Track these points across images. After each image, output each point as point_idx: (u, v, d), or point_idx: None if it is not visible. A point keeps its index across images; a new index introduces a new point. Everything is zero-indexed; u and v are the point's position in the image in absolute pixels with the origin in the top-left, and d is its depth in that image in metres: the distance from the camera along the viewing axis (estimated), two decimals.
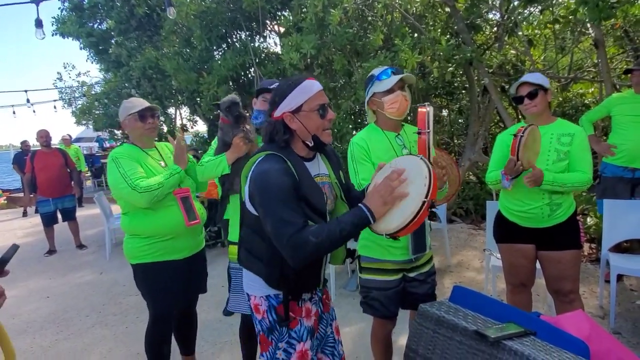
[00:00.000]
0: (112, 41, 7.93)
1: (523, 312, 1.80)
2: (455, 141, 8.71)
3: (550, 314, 3.30)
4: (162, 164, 2.55)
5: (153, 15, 7.32)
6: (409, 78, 2.19)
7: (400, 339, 2.99)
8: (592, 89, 6.65)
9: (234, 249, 2.40)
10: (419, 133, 2.01)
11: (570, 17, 4.92)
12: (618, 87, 5.77)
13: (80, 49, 8.28)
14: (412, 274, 2.28)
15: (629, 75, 3.70)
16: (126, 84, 7.71)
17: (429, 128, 2.00)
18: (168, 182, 2.40)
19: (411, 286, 2.29)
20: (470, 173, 7.05)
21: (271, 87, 2.61)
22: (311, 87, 1.61)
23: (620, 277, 3.87)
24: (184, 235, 2.49)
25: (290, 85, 1.61)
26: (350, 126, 5.67)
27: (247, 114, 2.59)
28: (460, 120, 8.76)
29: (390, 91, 2.14)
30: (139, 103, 2.52)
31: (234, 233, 2.44)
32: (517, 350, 1.47)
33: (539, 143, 2.41)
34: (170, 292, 2.48)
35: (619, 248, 3.77)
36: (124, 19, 7.30)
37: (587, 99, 7.19)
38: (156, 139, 2.72)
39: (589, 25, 4.61)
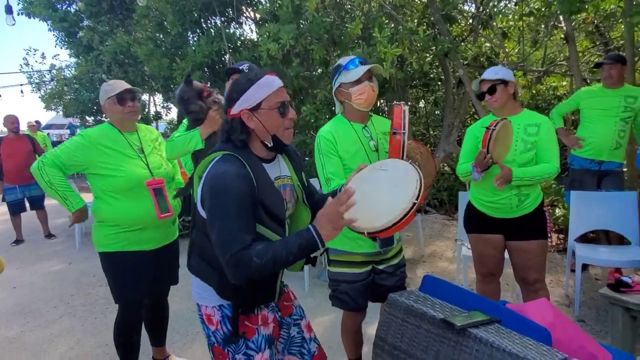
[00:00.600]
0: (83, 24, 7.68)
1: (489, 300, 1.84)
2: (431, 132, 8.79)
3: (518, 303, 3.38)
4: (139, 149, 2.46)
5: None
6: (376, 68, 2.16)
7: (371, 329, 3.02)
8: (565, 82, 6.78)
9: None
10: (394, 133, 1.97)
11: (544, 9, 4.99)
12: (589, 81, 5.90)
13: (49, 30, 8.00)
14: (381, 266, 2.27)
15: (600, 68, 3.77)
16: (97, 69, 7.49)
17: (404, 129, 1.96)
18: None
19: (380, 278, 2.28)
20: (445, 164, 7.12)
21: (241, 67, 2.56)
22: (271, 84, 1.50)
23: (586, 267, 3.99)
24: (154, 227, 2.43)
25: (248, 80, 1.50)
26: (327, 116, 5.64)
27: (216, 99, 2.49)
28: (436, 112, 8.84)
29: (357, 82, 2.10)
30: (119, 85, 2.43)
31: None
32: (481, 337, 1.49)
33: (510, 137, 2.44)
34: (136, 283, 2.42)
35: (585, 238, 3.88)
36: (94, 1, 7.07)
37: (559, 91, 7.35)
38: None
39: (561, 18, 4.67)
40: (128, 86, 2.44)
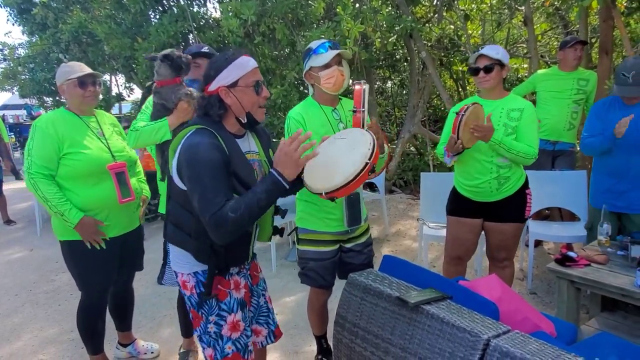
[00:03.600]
0: (37, 1, 7.30)
1: (443, 278, 1.94)
2: (397, 113, 8.89)
3: (477, 278, 3.54)
4: (100, 133, 2.41)
5: None
6: (345, 53, 2.20)
7: (336, 307, 3.11)
8: (525, 65, 6.96)
9: None
10: (354, 111, 2.05)
11: None
12: (549, 63, 6.08)
13: (0, 7, 7.58)
14: (348, 245, 2.35)
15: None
16: (54, 48, 7.17)
17: (363, 107, 2.04)
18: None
19: (348, 257, 2.37)
20: (410, 144, 7.25)
21: (202, 50, 2.53)
22: (247, 63, 1.61)
23: (540, 242, 4.20)
24: (116, 212, 2.40)
25: (226, 59, 1.60)
26: (297, 98, 5.63)
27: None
28: (404, 92, 8.93)
29: (326, 66, 2.13)
30: (79, 68, 2.35)
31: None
32: (433, 313, 1.58)
33: (482, 122, 2.44)
34: (100, 272, 2.40)
35: (540, 215, 4.08)
36: None
37: (520, 73, 7.54)
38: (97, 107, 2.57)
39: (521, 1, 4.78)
40: (89, 70, 2.37)
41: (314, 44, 2.20)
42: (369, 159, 1.64)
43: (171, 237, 1.72)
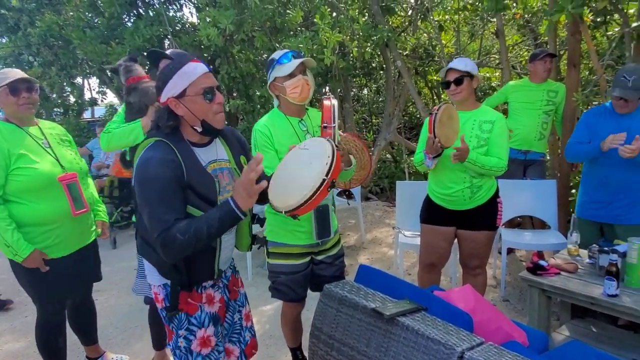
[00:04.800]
0: (8, 1, 7.08)
1: (418, 288, 1.95)
2: (374, 120, 8.97)
3: (451, 286, 3.59)
4: (45, 143, 2.26)
5: None
6: (309, 62, 2.17)
7: (311, 318, 3.09)
8: (497, 73, 7.13)
9: None
10: (324, 127, 2.03)
11: (477, 4, 5.20)
12: (520, 74, 6.24)
13: None
14: (319, 257, 2.33)
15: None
16: (24, 51, 6.96)
17: (334, 122, 2.02)
18: None
19: (319, 269, 2.34)
20: (387, 152, 7.32)
21: (168, 52, 2.49)
22: (194, 70, 1.53)
23: (512, 250, 4.28)
24: (69, 226, 2.28)
25: (172, 69, 1.54)
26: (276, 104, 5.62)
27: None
28: (380, 100, 9.02)
29: (291, 75, 2.10)
30: (12, 74, 2.20)
31: None
32: (408, 325, 1.59)
33: (456, 121, 2.48)
34: (53, 290, 2.28)
35: (512, 223, 4.16)
36: None
37: (492, 82, 7.71)
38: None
39: (492, 13, 4.90)
40: (23, 75, 2.21)
41: (276, 54, 2.17)
42: (327, 175, 1.56)
43: (140, 250, 1.71)
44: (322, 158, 1.61)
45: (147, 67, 4.25)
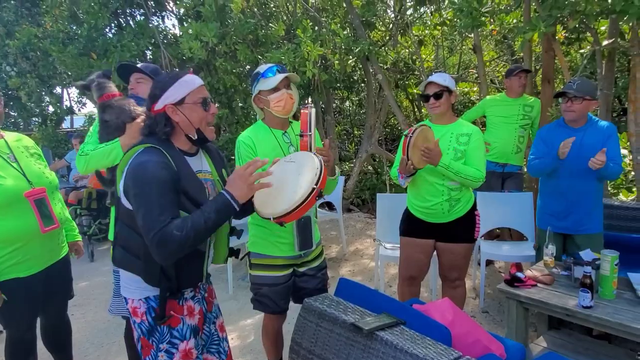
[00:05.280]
0: None
1: (397, 302, 1.96)
2: (356, 132, 9.05)
3: (431, 298, 3.62)
4: (11, 157, 2.15)
5: None
6: (293, 77, 2.21)
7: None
8: (476, 88, 7.29)
9: None
10: (301, 135, 2.07)
11: (455, 20, 5.32)
12: (498, 88, 6.39)
13: None
14: (302, 269, 2.33)
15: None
16: (2, 61, 6.86)
17: (310, 130, 2.06)
18: None
19: (301, 281, 2.35)
20: (368, 164, 7.37)
21: (139, 65, 2.48)
22: (193, 81, 1.63)
23: (491, 261, 4.34)
24: (38, 243, 2.17)
25: (172, 77, 1.61)
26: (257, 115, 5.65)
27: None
28: (361, 112, 9.11)
29: (275, 89, 2.14)
30: None
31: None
32: (387, 340, 1.59)
33: (430, 143, 2.50)
34: (21, 310, 2.17)
35: (491, 235, 4.22)
36: None
37: (471, 96, 7.87)
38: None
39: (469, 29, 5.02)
40: None
41: (261, 68, 2.20)
42: (316, 184, 1.67)
43: (120, 261, 1.66)
44: (310, 169, 1.72)
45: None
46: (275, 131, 2.24)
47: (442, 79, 2.60)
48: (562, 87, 5.44)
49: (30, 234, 2.13)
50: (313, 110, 2.10)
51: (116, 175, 1.64)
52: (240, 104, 5.81)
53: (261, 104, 2.22)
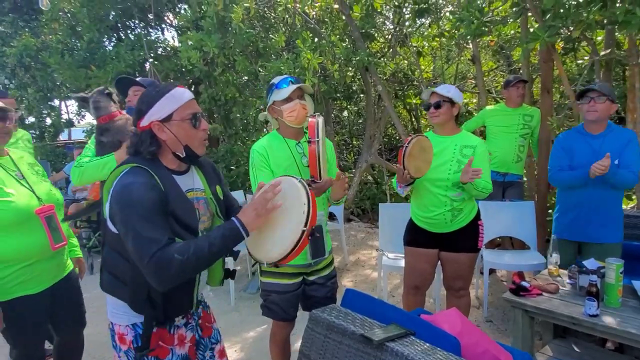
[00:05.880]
0: None
1: (405, 312, 1.96)
2: (355, 142, 9.07)
3: (435, 307, 3.61)
4: (19, 174, 2.12)
5: None
6: (306, 87, 2.27)
7: (299, 342, 3.06)
8: (475, 99, 7.34)
9: None
10: (309, 142, 2.12)
11: (454, 31, 5.38)
12: (496, 99, 6.43)
13: None
14: (312, 278, 2.35)
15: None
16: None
17: (318, 137, 2.09)
18: None
19: (311, 289, 2.37)
20: (368, 174, 7.38)
21: (138, 79, 2.52)
22: (182, 95, 1.51)
23: (493, 270, 4.33)
24: (46, 261, 2.14)
25: (158, 92, 1.49)
26: (257, 127, 5.71)
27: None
28: (360, 122, 9.15)
29: (288, 100, 2.20)
30: None
31: None
32: (397, 351, 1.58)
33: (429, 152, 2.54)
34: (28, 329, 2.13)
35: (492, 244, 4.23)
36: None
37: (469, 106, 7.92)
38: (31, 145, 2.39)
39: (469, 39, 5.07)
40: None
41: (276, 79, 2.26)
42: (305, 226, 1.51)
43: (106, 286, 1.57)
44: (297, 205, 1.54)
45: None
46: (289, 141, 2.28)
47: (445, 90, 2.63)
48: (560, 98, 5.53)
49: (40, 251, 2.10)
50: (320, 119, 2.15)
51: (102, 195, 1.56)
52: (238, 115, 5.83)
53: (275, 114, 2.28)
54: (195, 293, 1.62)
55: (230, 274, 1.78)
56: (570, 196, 2.88)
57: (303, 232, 1.51)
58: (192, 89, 6.65)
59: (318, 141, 2.11)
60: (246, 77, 5.93)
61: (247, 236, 1.46)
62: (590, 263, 2.52)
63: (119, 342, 1.58)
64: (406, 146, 2.44)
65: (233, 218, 1.46)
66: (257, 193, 1.62)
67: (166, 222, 1.42)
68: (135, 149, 1.52)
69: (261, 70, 5.06)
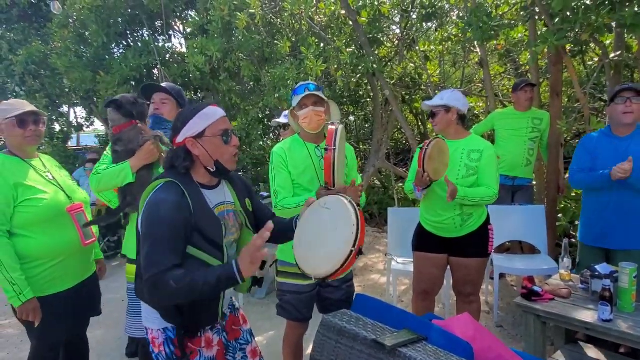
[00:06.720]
0: None
1: (417, 317, 1.94)
2: (362, 147, 9.06)
3: (444, 312, 3.58)
4: (49, 175, 2.25)
5: (41, 5, 6.69)
6: (320, 95, 2.28)
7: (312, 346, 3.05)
8: (481, 103, 7.33)
9: (131, 268, 2.27)
10: (326, 149, 2.13)
11: (460, 35, 5.37)
12: (503, 102, 6.41)
13: None
14: (327, 280, 2.35)
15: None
16: (8, 80, 6.95)
17: (334, 145, 2.10)
18: None
19: (326, 291, 2.41)
20: (375, 178, 7.37)
21: (164, 84, 2.56)
22: (214, 113, 1.61)
23: (502, 275, 4.30)
24: (75, 258, 2.25)
25: (192, 110, 1.61)
26: (258, 133, 5.70)
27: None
28: (367, 126, 9.14)
29: (302, 106, 2.25)
30: (20, 106, 2.19)
31: (129, 248, 2.32)
32: (410, 356, 1.57)
33: (446, 155, 2.55)
34: (54, 325, 2.20)
35: (501, 249, 4.20)
36: (4, 7, 6.59)
37: (476, 110, 7.90)
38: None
39: (476, 44, 5.06)
40: (32, 107, 2.21)
41: (297, 85, 2.33)
42: (353, 247, 1.54)
43: (141, 292, 1.63)
44: (346, 224, 1.59)
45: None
46: (309, 144, 2.35)
47: (438, 99, 2.67)
48: (567, 101, 5.50)
49: (72, 248, 2.22)
50: (340, 127, 2.16)
51: (138, 201, 1.64)
52: (241, 120, 5.84)
53: (295, 119, 2.36)
54: (220, 306, 1.70)
55: (258, 281, 1.87)
56: (595, 201, 2.79)
57: (351, 252, 1.55)
58: (197, 96, 6.69)
59: (334, 149, 2.11)
60: (252, 83, 5.95)
61: (243, 281, 1.47)
62: (603, 267, 2.49)
63: (152, 345, 1.68)
64: (426, 149, 2.44)
65: (233, 262, 1.47)
66: (305, 208, 1.75)
67: (181, 245, 1.50)
68: (171, 164, 1.62)
69: (267, 75, 5.09)
